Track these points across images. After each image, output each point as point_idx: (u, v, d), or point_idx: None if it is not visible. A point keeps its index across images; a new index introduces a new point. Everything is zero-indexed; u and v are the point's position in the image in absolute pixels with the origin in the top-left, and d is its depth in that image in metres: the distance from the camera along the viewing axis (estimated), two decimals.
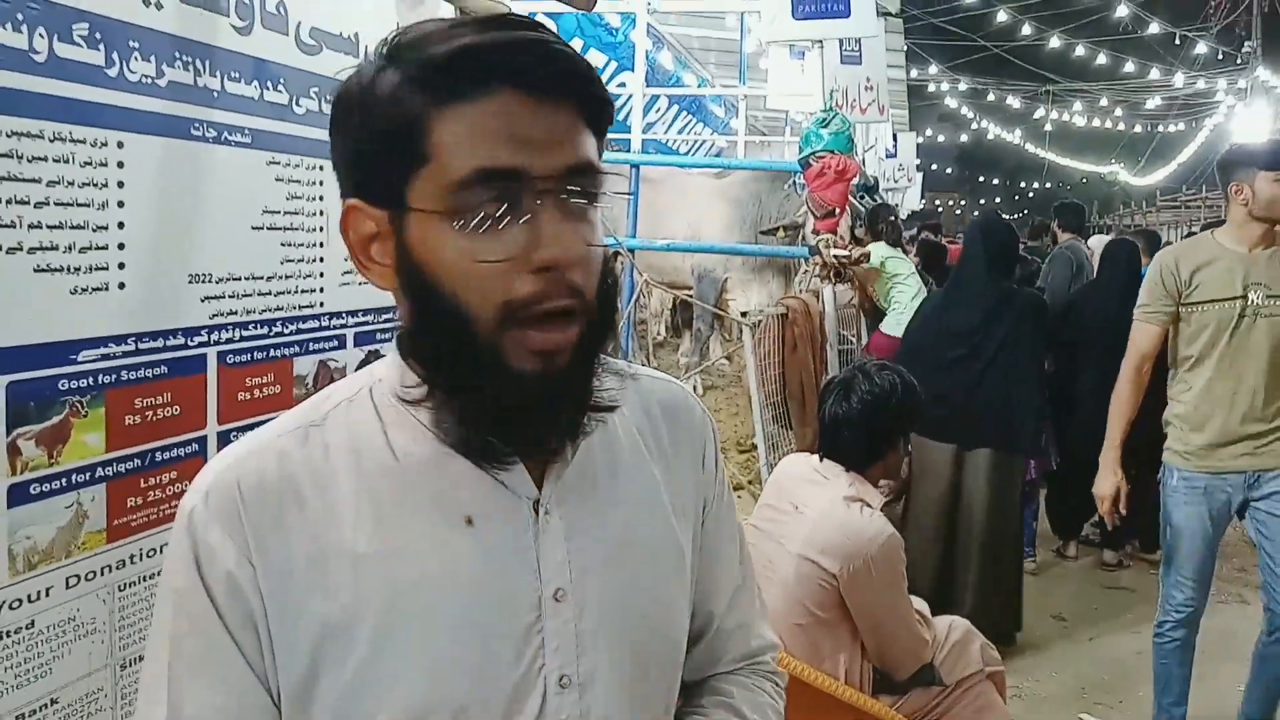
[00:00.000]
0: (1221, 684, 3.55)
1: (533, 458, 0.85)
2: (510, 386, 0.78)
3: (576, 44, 7.65)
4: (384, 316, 2.16)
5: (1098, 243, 7.23)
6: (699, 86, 10.17)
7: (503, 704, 0.83)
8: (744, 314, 5.55)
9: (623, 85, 7.69)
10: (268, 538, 0.80)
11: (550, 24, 7.03)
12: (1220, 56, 23.28)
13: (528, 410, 0.80)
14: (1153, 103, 24.90)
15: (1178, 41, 22.56)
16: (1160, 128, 27.38)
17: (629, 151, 5.63)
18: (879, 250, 5.91)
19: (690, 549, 0.98)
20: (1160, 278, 3.08)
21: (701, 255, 6.35)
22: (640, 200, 4.99)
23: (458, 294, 0.77)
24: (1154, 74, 22.52)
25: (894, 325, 5.64)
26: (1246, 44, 22.46)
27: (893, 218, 6.32)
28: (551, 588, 0.85)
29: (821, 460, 2.41)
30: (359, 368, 1.57)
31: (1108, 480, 3.16)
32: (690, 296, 6.52)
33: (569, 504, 0.87)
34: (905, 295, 5.82)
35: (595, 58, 7.79)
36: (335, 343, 2.11)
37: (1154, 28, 20.31)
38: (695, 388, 6.84)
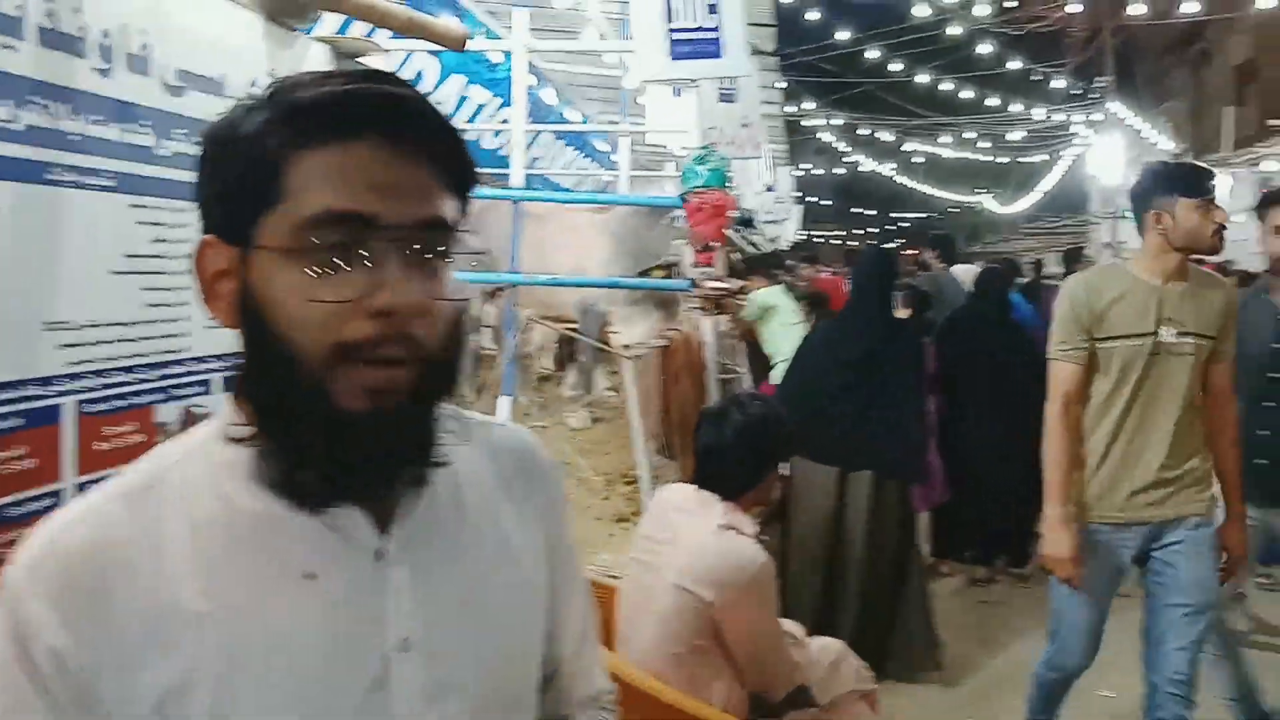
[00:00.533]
0: (1084, 687, 3.68)
1: (368, 503, 0.85)
2: (338, 427, 0.78)
3: (459, 80, 7.64)
4: None
5: (962, 270, 7.56)
6: (582, 123, 10.26)
7: None
8: (626, 347, 5.60)
9: (505, 121, 7.71)
10: (97, 606, 0.78)
11: (433, 61, 6.98)
12: (1077, 91, 24.63)
13: (357, 451, 0.79)
14: (1015, 135, 26.14)
15: (1037, 77, 23.80)
16: (1023, 159, 28.72)
17: (510, 187, 5.65)
18: (770, 296, 6.05)
19: (541, 595, 1.00)
20: (1073, 311, 2.81)
21: (586, 289, 6.40)
22: (524, 235, 5.01)
23: (291, 333, 0.78)
24: (1016, 108, 23.66)
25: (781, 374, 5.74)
26: (1099, 79, 23.81)
27: (769, 254, 6.48)
28: (398, 639, 0.85)
29: (697, 490, 2.46)
30: None
31: (1064, 541, 2.80)
32: (574, 330, 6.55)
33: (415, 552, 0.87)
34: (789, 344, 5.86)
35: (478, 94, 7.78)
36: (201, 388, 2.08)
37: (1015, 64, 21.39)
38: (582, 420, 6.88)
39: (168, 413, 2.07)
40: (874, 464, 3.96)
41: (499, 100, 7.86)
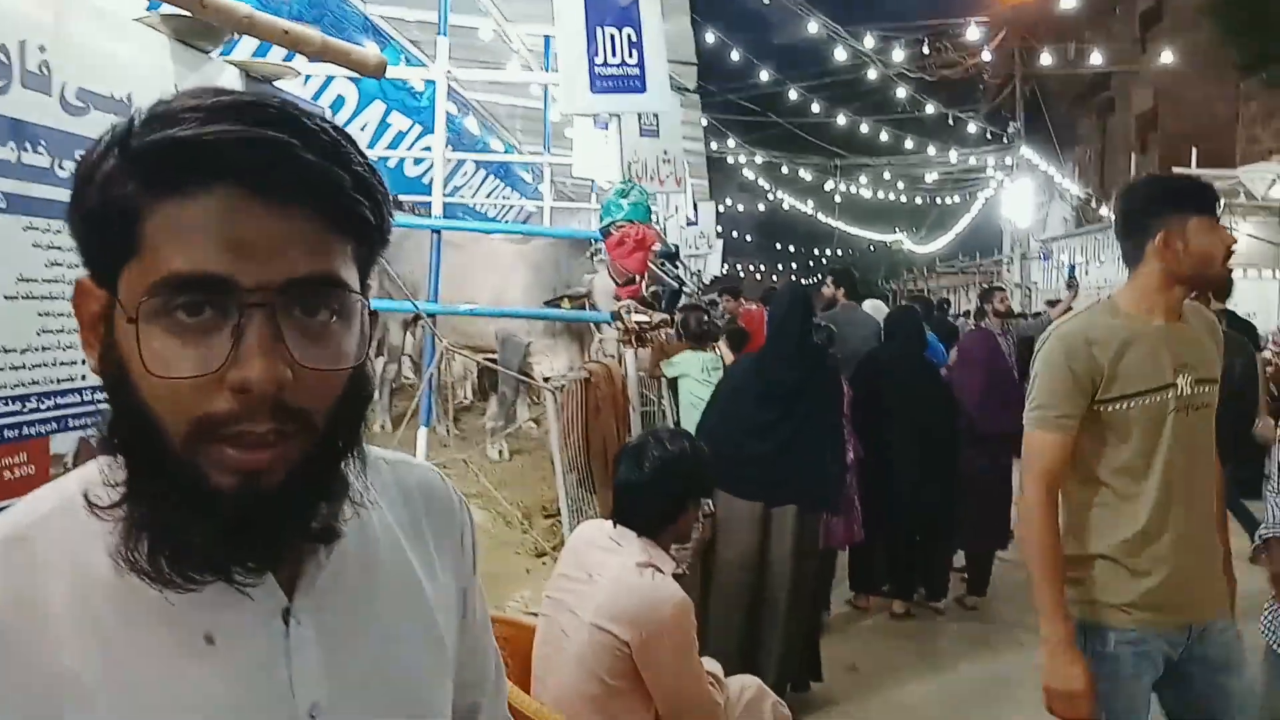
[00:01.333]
0: None
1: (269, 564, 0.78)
2: (207, 505, 0.70)
3: (379, 107, 7.58)
4: None
5: (872, 305, 7.67)
6: (505, 152, 10.25)
7: None
8: (547, 379, 5.56)
9: (427, 149, 7.68)
10: None
11: (353, 88, 6.87)
12: (989, 136, 25.49)
13: (228, 531, 0.71)
14: (931, 177, 26.89)
15: (952, 122, 24.59)
16: (939, 200, 29.53)
17: (430, 215, 5.61)
18: (689, 364, 5.89)
19: (452, 641, 0.95)
20: (1069, 370, 2.19)
21: (506, 319, 6.36)
22: (444, 264, 4.97)
23: (151, 401, 0.70)
24: (931, 150, 24.38)
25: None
26: (1011, 125, 24.67)
27: (705, 318, 6.23)
28: (306, 704, 0.78)
29: (615, 526, 2.43)
30: None
31: (1075, 672, 2.10)
32: (493, 361, 6.49)
33: (324, 610, 0.81)
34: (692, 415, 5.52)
35: (399, 121, 7.74)
36: (99, 418, 1.98)
37: (930, 109, 22.05)
38: (502, 452, 6.79)
39: (63, 443, 1.97)
40: (797, 497, 3.97)
41: (420, 128, 7.84)
